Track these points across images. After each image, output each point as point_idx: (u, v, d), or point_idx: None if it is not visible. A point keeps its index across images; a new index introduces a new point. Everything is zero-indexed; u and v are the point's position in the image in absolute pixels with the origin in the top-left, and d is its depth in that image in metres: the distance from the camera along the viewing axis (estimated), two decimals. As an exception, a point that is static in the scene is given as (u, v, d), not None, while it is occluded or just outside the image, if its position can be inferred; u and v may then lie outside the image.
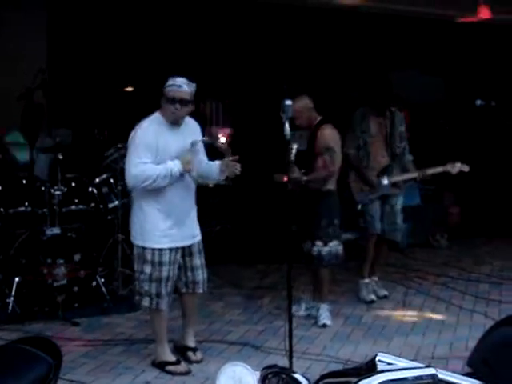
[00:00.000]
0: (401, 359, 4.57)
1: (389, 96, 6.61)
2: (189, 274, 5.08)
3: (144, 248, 4.92)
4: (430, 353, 5.36)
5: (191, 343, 5.28)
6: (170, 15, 9.18)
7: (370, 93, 6.56)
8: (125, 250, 7.02)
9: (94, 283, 6.45)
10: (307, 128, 6.15)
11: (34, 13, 8.54)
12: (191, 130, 5.06)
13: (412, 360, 4.76)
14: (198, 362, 5.16)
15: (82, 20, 8.97)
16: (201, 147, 5.15)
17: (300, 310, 6.24)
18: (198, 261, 5.09)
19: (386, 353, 4.59)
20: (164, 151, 4.83)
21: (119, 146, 6.87)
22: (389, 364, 4.41)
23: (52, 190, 6.43)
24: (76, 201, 6.77)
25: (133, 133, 4.92)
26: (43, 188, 6.50)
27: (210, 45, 9.57)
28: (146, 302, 4.97)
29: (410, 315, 6.39)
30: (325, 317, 6.10)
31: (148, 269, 4.90)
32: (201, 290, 5.18)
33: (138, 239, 4.97)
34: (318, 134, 6.04)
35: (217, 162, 5.09)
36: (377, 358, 4.42)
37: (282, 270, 5.79)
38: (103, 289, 6.45)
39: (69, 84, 8.98)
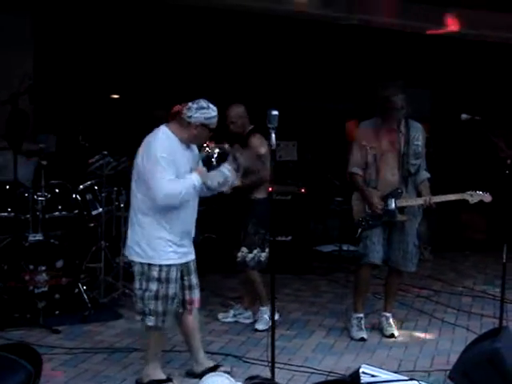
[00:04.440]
0: (384, 371, 4.58)
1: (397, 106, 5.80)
2: (186, 292, 4.92)
3: (150, 265, 4.69)
4: (411, 366, 5.36)
5: (210, 363, 5.11)
6: (155, 23, 9.18)
7: (376, 104, 5.84)
8: (108, 257, 6.99)
9: (76, 290, 6.41)
10: (240, 134, 6.20)
11: (20, 18, 8.51)
12: (194, 145, 4.96)
13: (394, 372, 4.76)
14: (228, 372, 4.92)
15: (68, 26, 8.96)
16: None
17: (228, 317, 6.47)
18: (194, 279, 4.95)
19: (369, 365, 4.59)
20: (179, 166, 4.69)
21: (104, 152, 6.87)
22: (372, 376, 4.43)
23: (35, 196, 6.40)
24: (59, 207, 6.77)
25: (145, 149, 4.68)
26: (26, 194, 6.47)
27: (196, 54, 9.57)
28: (150, 322, 4.73)
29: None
30: (260, 322, 6.18)
31: (154, 286, 4.68)
32: (197, 305, 5.02)
33: (142, 256, 4.71)
34: (249, 142, 6.13)
35: (225, 164, 4.85)
36: (361, 370, 4.43)
37: (266, 279, 5.78)
38: (85, 296, 6.42)
39: (54, 90, 8.95)
